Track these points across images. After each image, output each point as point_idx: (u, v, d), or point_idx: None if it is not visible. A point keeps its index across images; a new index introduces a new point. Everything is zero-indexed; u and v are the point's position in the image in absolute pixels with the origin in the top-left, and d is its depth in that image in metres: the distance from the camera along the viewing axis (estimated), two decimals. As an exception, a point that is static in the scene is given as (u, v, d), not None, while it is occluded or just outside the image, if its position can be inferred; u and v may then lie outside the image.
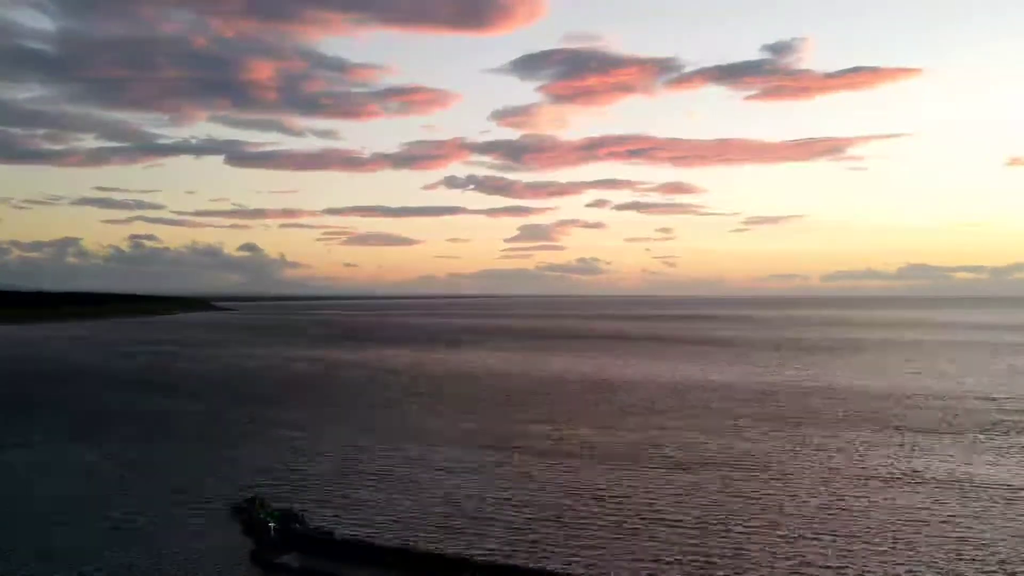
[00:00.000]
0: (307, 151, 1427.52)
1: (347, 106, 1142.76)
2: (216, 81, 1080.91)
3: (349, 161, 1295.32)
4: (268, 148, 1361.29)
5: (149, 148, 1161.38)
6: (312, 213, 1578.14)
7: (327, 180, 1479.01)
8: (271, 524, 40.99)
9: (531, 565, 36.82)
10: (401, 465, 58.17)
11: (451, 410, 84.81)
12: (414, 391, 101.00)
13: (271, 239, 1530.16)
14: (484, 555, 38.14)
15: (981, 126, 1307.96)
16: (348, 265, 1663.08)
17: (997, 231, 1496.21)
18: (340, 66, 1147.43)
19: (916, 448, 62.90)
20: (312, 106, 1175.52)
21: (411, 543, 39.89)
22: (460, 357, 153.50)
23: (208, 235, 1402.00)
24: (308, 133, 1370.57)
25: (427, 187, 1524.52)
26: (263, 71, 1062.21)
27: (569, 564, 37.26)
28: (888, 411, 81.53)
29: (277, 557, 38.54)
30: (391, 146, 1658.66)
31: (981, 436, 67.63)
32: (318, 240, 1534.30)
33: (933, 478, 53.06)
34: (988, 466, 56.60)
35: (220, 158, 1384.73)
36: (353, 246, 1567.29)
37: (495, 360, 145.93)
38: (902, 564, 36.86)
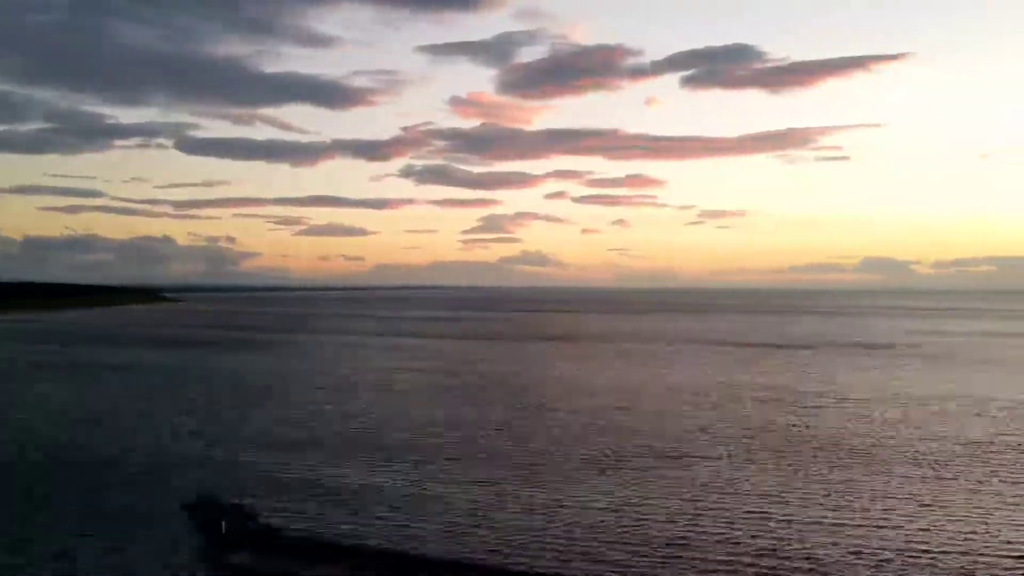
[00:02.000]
0: (260, 139, 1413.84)
1: (300, 94, 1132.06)
2: (165, 65, 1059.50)
3: (303, 150, 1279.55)
4: (219, 135, 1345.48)
5: (94, 132, 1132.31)
6: (265, 203, 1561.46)
7: (280, 169, 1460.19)
8: (222, 522, 40.01)
9: (490, 562, 36.48)
10: (357, 463, 57.49)
11: (415, 409, 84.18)
12: (376, 389, 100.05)
13: (223, 229, 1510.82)
14: (442, 553, 37.68)
15: (954, 119, 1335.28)
16: (301, 256, 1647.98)
17: (962, 225, 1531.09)
18: (293, 53, 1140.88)
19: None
20: (265, 93, 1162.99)
21: (366, 541, 39.34)
22: (410, 351, 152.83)
23: (158, 224, 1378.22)
24: (260, 121, 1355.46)
25: (382, 177, 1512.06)
26: (214, 56, 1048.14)
27: (534, 561, 36.92)
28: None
29: (228, 555, 37.75)
30: (346, 135, 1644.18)
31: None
32: (271, 230, 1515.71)
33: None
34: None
35: (169, 144, 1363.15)
36: (307, 236, 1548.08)
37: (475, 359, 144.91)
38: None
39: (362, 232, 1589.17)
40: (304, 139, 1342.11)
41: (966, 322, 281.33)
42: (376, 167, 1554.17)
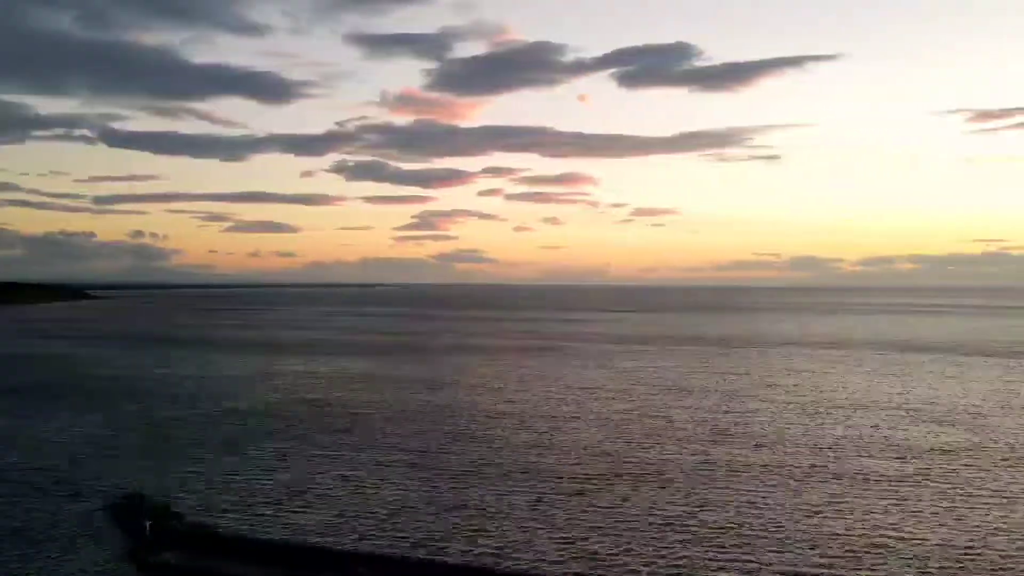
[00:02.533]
0: (188, 133, 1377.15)
1: (231, 86, 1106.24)
2: (87, 53, 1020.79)
3: (233, 144, 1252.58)
4: (145, 128, 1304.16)
5: (10, 123, 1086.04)
6: (193, 198, 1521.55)
7: (209, 164, 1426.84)
8: (147, 522, 39.60)
9: (422, 556, 36.96)
10: (286, 461, 57.25)
11: (342, 406, 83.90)
12: (287, 389, 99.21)
13: (148, 225, 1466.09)
14: (376, 548, 38.01)
15: (882, 119, 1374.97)
16: (230, 253, 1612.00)
17: (886, 224, 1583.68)
18: (225, 42, 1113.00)
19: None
20: (194, 85, 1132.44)
21: (297, 538, 39.42)
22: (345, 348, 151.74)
23: (78, 219, 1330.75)
24: (188, 115, 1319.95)
25: (315, 173, 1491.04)
26: (141, 44, 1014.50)
27: (468, 554, 37.52)
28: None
29: (154, 555, 37.38)
30: (277, 129, 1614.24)
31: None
32: (199, 227, 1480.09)
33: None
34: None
35: (92, 136, 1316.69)
36: (237, 233, 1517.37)
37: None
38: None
39: (293, 229, 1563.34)
40: (234, 133, 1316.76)
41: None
42: (308, 163, 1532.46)
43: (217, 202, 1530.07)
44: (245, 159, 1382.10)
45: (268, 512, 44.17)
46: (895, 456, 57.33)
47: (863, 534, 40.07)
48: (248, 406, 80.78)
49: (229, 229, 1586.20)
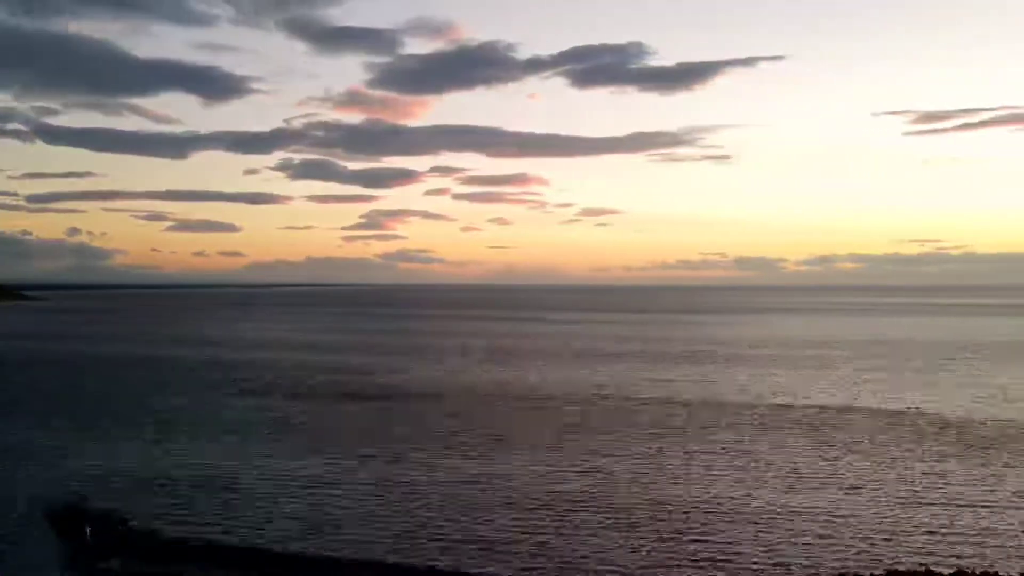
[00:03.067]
0: (128, 129, 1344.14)
1: (174, 81, 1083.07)
2: (22, 43, 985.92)
3: (175, 141, 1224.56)
4: (84, 124, 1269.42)
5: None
6: (133, 196, 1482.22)
7: (150, 162, 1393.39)
8: (87, 528, 39.68)
9: (360, 557, 37.74)
10: (228, 464, 57.41)
11: (280, 405, 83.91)
12: (236, 390, 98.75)
13: (87, 223, 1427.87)
14: (321, 550, 38.71)
15: (828, 119, 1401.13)
16: (173, 253, 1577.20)
17: (830, 223, 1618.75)
18: (167, 32, 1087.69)
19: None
20: (136, 80, 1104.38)
21: (241, 540, 39.86)
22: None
23: (11, 218, 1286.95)
24: (129, 111, 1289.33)
25: (260, 172, 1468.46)
26: (80, 35, 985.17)
27: (426, 556, 38.40)
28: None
29: (96, 562, 37.52)
30: (221, 126, 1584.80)
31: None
32: (140, 226, 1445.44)
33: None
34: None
35: (26, 131, 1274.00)
36: (179, 232, 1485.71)
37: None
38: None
39: (237, 228, 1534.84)
40: (176, 130, 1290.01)
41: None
42: (253, 160, 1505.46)
43: (158, 200, 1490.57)
44: (187, 157, 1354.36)
45: (210, 516, 44.46)
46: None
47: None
48: (191, 410, 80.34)
49: (171, 228, 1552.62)
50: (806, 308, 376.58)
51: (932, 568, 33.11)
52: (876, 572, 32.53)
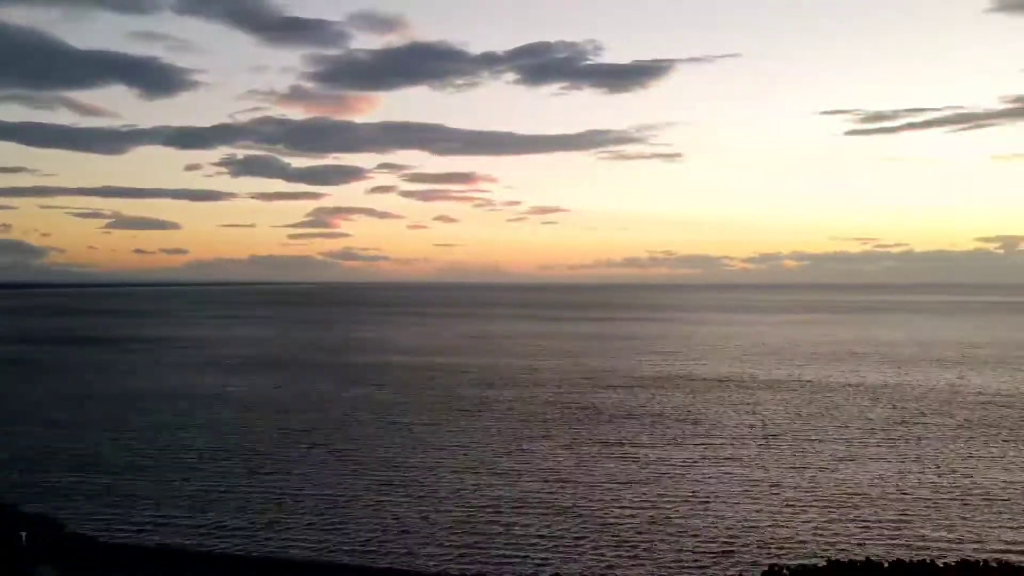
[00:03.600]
0: (65, 123, 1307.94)
1: (111, 76, 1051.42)
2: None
3: (113, 136, 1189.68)
4: (16, 118, 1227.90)
5: None
6: (69, 193, 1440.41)
7: (87, 157, 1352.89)
8: (22, 533, 38.59)
9: (295, 557, 37.32)
10: (165, 464, 56.32)
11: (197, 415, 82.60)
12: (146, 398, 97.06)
13: (22, 220, 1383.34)
14: (261, 551, 38.21)
15: (779, 117, 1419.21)
16: (111, 250, 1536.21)
17: (772, 222, 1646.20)
18: (103, 24, 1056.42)
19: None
20: (72, 72, 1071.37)
21: (176, 543, 39.15)
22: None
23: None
24: (63, 106, 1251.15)
25: (202, 168, 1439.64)
26: (10, 27, 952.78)
27: (340, 553, 38.14)
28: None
29: (31, 567, 36.51)
30: (160, 122, 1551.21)
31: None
32: (77, 223, 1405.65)
33: (683, 452, 58.75)
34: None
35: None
36: (118, 230, 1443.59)
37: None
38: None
39: (178, 226, 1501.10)
40: (114, 124, 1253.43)
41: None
42: (195, 156, 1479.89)
43: (96, 197, 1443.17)
44: (126, 152, 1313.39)
45: (148, 519, 43.53)
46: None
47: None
48: (130, 414, 78.71)
49: (109, 225, 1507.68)
50: (749, 307, 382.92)
51: (872, 558, 33.74)
52: (819, 564, 33.02)
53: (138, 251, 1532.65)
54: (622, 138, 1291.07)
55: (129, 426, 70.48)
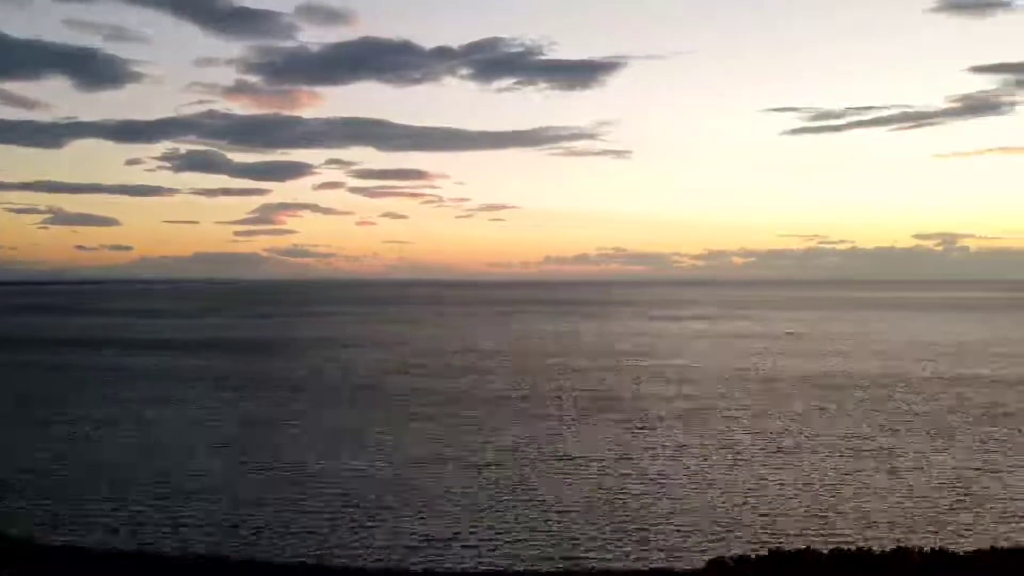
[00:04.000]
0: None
1: (49, 67, 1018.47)
2: None
3: (49, 130, 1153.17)
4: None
5: None
6: (4, 188, 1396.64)
7: (22, 152, 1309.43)
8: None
9: (242, 555, 37.22)
10: (117, 464, 55.71)
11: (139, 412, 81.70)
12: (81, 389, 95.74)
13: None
14: (208, 550, 38.02)
15: (729, 115, 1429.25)
16: (49, 246, 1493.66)
17: (726, 219, 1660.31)
18: (38, 10, 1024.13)
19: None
20: (3, 65, 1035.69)
21: (129, 546, 38.80)
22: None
23: None
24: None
25: (144, 163, 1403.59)
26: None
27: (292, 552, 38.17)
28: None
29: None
30: (100, 115, 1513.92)
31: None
32: (11, 219, 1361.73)
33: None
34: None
35: None
36: (56, 226, 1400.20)
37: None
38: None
39: (119, 222, 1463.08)
40: (51, 117, 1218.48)
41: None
42: (136, 151, 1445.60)
43: (31, 192, 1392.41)
44: (63, 146, 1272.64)
45: (103, 522, 42.93)
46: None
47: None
48: (77, 412, 77.53)
49: (48, 221, 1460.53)
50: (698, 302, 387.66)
51: (812, 547, 34.67)
52: (760, 552, 33.84)
53: (79, 247, 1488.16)
54: (573, 135, 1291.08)
55: (98, 422, 69.56)
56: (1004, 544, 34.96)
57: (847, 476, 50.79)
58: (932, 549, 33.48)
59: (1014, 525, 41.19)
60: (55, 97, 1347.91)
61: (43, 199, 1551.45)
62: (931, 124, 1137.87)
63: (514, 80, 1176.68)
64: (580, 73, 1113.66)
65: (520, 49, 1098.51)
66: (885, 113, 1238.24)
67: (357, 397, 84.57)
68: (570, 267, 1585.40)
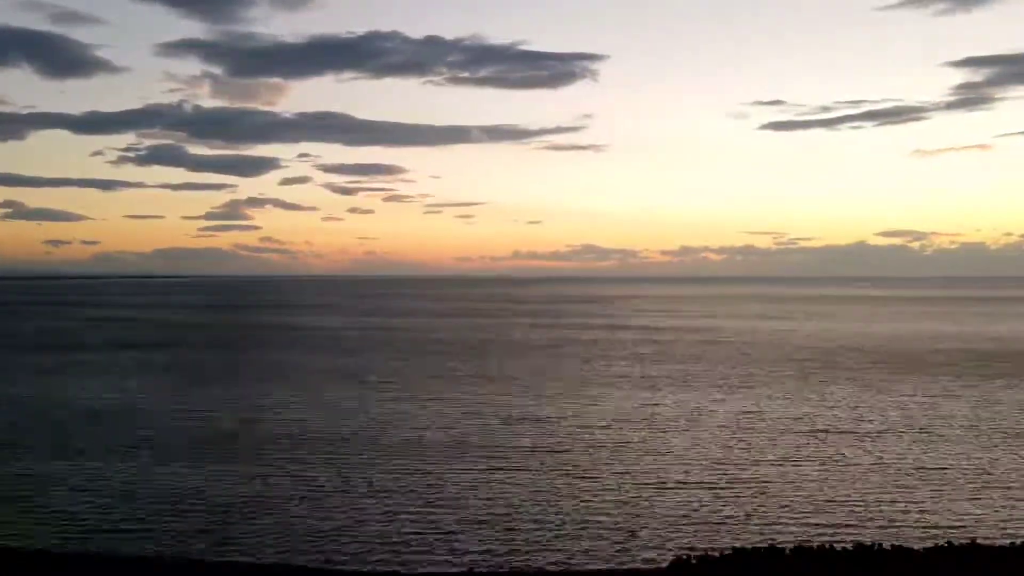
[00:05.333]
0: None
1: (7, 56, 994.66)
2: None
3: (8, 120, 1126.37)
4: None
5: None
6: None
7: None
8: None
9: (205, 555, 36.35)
10: (77, 468, 54.15)
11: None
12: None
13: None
14: (160, 551, 37.01)
15: (702, 111, 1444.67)
16: (11, 241, 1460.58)
17: (697, 215, 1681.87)
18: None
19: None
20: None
21: (80, 549, 37.67)
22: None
23: None
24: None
25: (105, 156, 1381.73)
26: None
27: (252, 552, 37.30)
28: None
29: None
30: (62, 107, 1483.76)
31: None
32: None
33: (596, 444, 59.34)
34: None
35: None
36: (15, 220, 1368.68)
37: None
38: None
39: (81, 216, 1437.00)
40: (8, 109, 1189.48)
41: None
42: (98, 143, 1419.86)
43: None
44: (22, 138, 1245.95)
45: (68, 524, 41.55)
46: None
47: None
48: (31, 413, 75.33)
49: (6, 216, 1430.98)
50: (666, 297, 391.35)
51: (775, 544, 34.77)
52: (724, 551, 33.84)
53: (41, 242, 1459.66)
54: (543, 131, 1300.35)
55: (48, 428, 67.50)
56: (961, 540, 35.28)
57: (808, 472, 51.23)
58: (893, 546, 33.83)
59: (973, 518, 41.83)
60: (14, 87, 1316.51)
61: (5, 193, 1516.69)
62: (905, 121, 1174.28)
63: (485, 74, 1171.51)
64: (554, 68, 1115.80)
65: (494, 44, 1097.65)
66: (854, 111, 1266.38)
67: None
68: (541, 263, 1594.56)
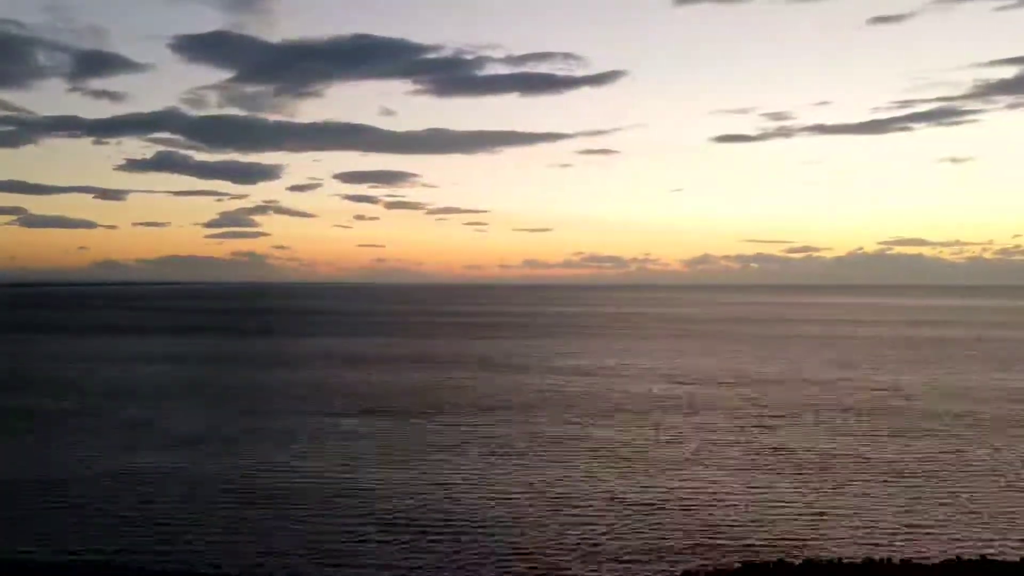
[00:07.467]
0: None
1: (11, 68, 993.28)
2: None
3: (13, 128, 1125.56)
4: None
5: None
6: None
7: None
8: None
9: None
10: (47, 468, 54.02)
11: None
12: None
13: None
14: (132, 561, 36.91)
15: (702, 120, 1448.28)
16: (18, 249, 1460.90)
17: (704, 224, 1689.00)
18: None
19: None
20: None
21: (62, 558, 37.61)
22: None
23: None
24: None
25: (111, 163, 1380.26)
26: None
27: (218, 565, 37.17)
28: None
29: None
30: (67, 113, 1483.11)
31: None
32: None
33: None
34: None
35: None
36: (23, 228, 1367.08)
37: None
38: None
39: (88, 224, 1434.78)
40: (14, 115, 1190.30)
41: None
42: (104, 150, 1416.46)
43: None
44: (30, 144, 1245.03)
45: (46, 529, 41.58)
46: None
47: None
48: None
49: (13, 223, 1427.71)
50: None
51: (786, 559, 34.62)
52: (735, 566, 33.68)
53: (48, 250, 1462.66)
54: (551, 140, 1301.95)
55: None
56: (970, 555, 35.14)
57: (811, 488, 51.00)
58: (902, 560, 33.65)
59: (978, 532, 41.59)
60: (18, 95, 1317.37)
61: (8, 200, 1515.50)
62: (893, 131, 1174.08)
63: (492, 84, 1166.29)
64: (559, 79, 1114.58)
65: (506, 52, 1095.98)
66: (850, 120, 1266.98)
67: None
68: (552, 271, 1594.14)
